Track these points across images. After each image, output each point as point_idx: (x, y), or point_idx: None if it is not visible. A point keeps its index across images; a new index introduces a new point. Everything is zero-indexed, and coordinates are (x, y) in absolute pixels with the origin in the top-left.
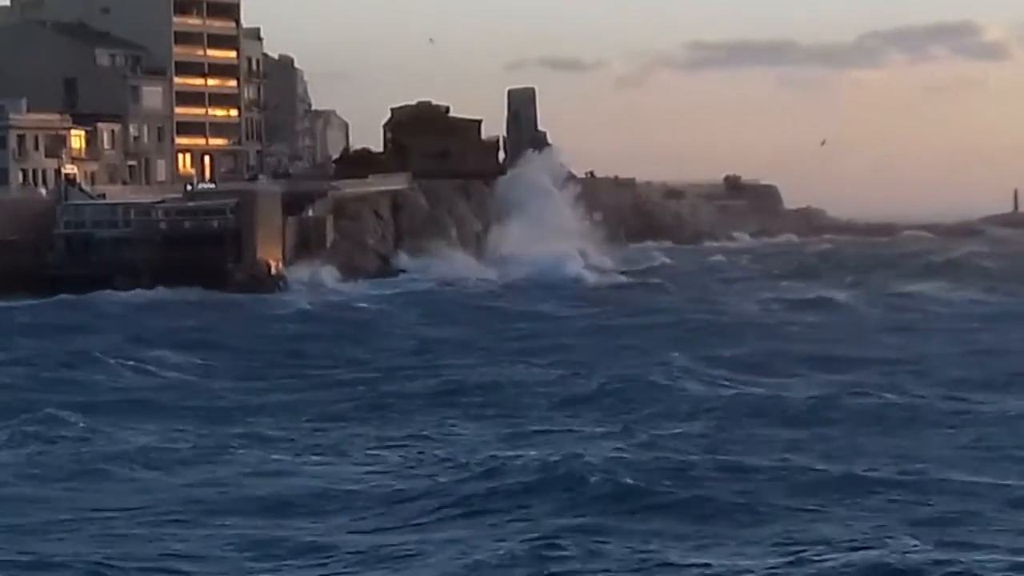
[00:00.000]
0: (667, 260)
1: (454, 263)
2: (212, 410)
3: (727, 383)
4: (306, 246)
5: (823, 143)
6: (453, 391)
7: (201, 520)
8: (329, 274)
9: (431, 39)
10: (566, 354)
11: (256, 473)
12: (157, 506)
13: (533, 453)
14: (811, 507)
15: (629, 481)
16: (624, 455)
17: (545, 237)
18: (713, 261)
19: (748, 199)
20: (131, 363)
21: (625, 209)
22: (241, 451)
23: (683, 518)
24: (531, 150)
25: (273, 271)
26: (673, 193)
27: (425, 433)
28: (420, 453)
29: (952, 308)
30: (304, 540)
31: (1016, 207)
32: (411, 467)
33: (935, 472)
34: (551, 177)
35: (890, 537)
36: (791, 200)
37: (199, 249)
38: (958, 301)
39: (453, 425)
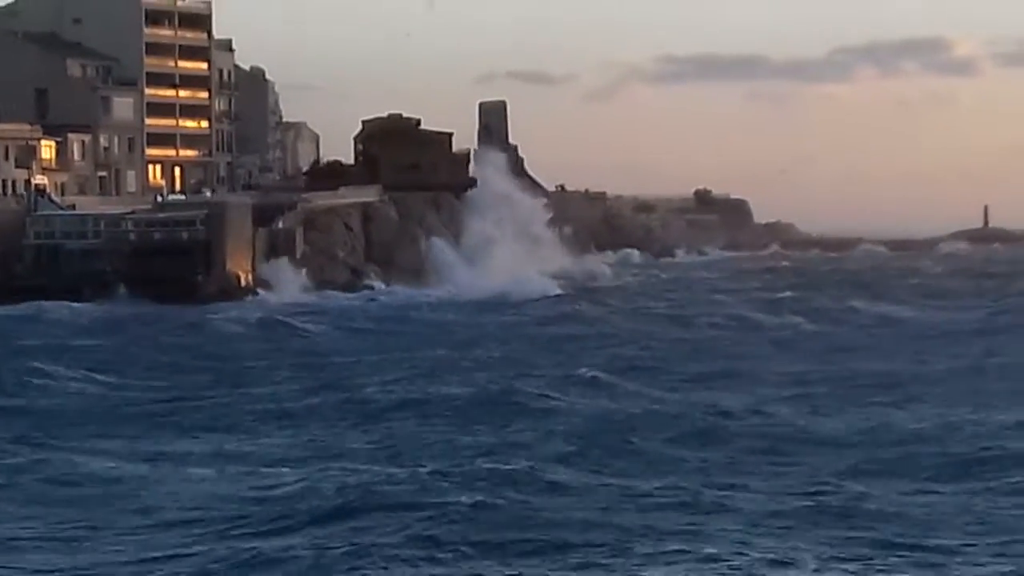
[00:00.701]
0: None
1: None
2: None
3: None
4: (276, 258)
5: (783, 171)
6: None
7: None
8: (295, 282)
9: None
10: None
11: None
12: None
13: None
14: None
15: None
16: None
17: (510, 250)
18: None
19: (718, 213)
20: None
21: (595, 223)
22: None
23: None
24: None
25: (243, 282)
26: (643, 207)
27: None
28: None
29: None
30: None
31: (986, 223)
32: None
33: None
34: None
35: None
36: (761, 214)
37: (169, 260)
38: (868, 313)
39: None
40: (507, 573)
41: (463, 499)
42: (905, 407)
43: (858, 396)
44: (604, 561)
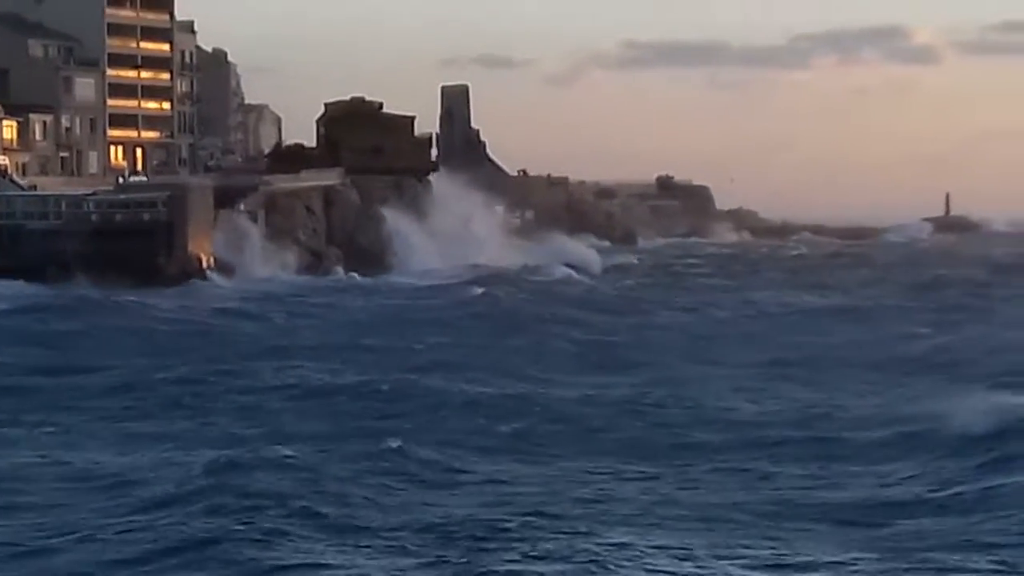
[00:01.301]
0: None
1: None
2: None
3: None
4: (237, 240)
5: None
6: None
7: None
8: (256, 265)
9: None
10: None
11: None
12: None
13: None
14: None
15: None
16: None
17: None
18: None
19: (680, 199)
20: None
21: (558, 208)
22: None
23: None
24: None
25: (205, 264)
26: (605, 192)
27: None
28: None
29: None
30: None
31: (948, 211)
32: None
33: None
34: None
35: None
36: (723, 201)
37: (130, 242)
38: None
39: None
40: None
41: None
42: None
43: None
44: (491, 547)
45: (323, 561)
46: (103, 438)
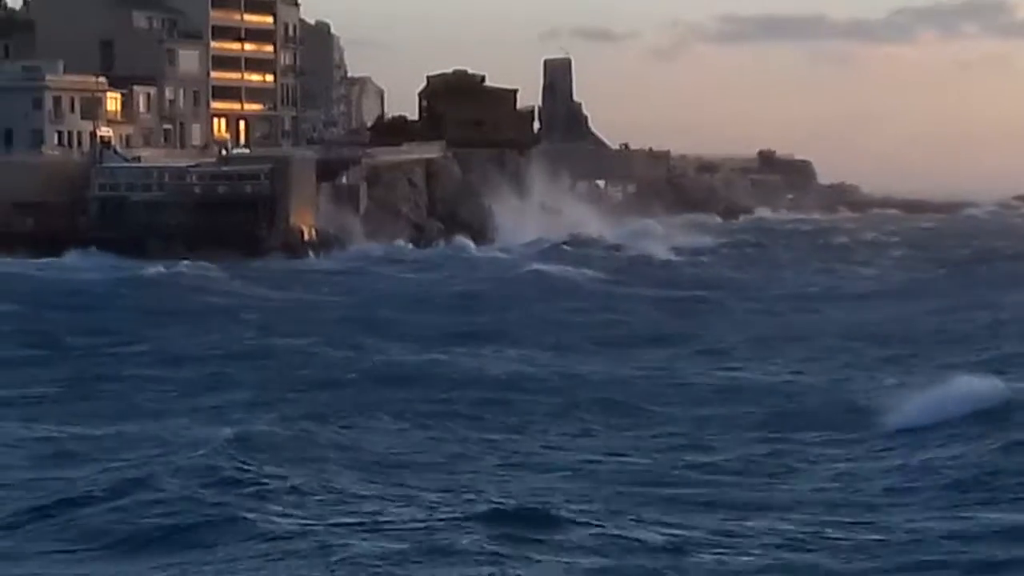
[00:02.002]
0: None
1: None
2: None
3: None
4: (340, 212)
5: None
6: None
7: None
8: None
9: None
10: None
11: None
12: None
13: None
14: None
15: None
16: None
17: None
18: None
19: (782, 174)
20: None
21: (659, 182)
22: None
23: None
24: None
25: (306, 237)
26: (707, 167)
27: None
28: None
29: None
30: None
31: None
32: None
33: None
34: None
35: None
36: (825, 175)
37: (233, 214)
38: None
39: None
40: None
41: None
42: None
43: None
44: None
45: None
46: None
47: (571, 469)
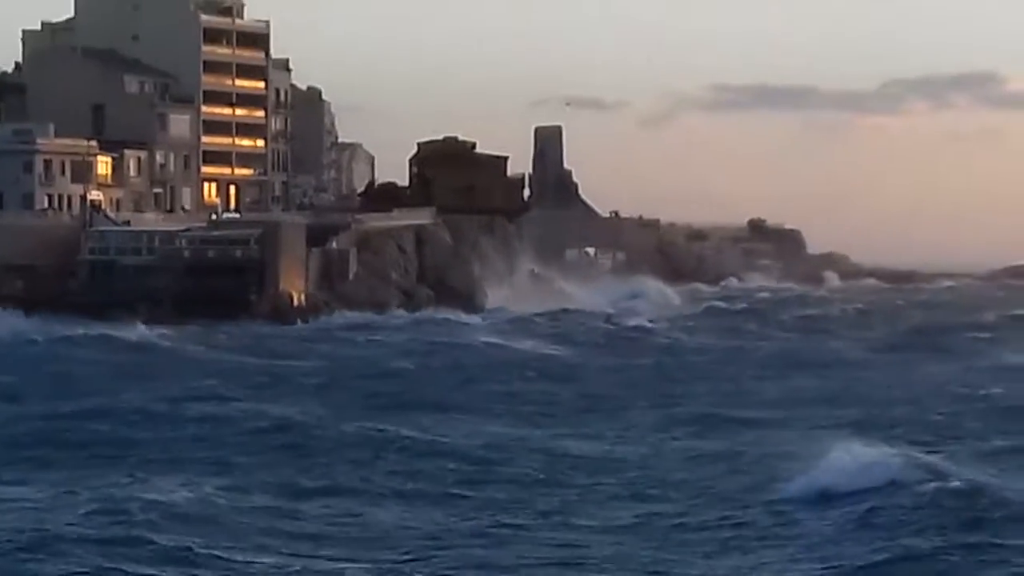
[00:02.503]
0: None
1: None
2: None
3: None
4: (329, 278)
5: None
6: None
7: None
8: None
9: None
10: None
11: None
12: None
13: None
14: None
15: None
16: None
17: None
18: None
19: (772, 243)
20: None
21: (649, 250)
22: None
23: None
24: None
25: (295, 302)
26: (697, 235)
27: None
28: None
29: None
30: None
31: None
32: None
33: None
34: None
35: None
36: (815, 244)
37: (222, 279)
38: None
39: None
40: None
41: None
42: None
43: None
44: None
45: None
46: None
47: None
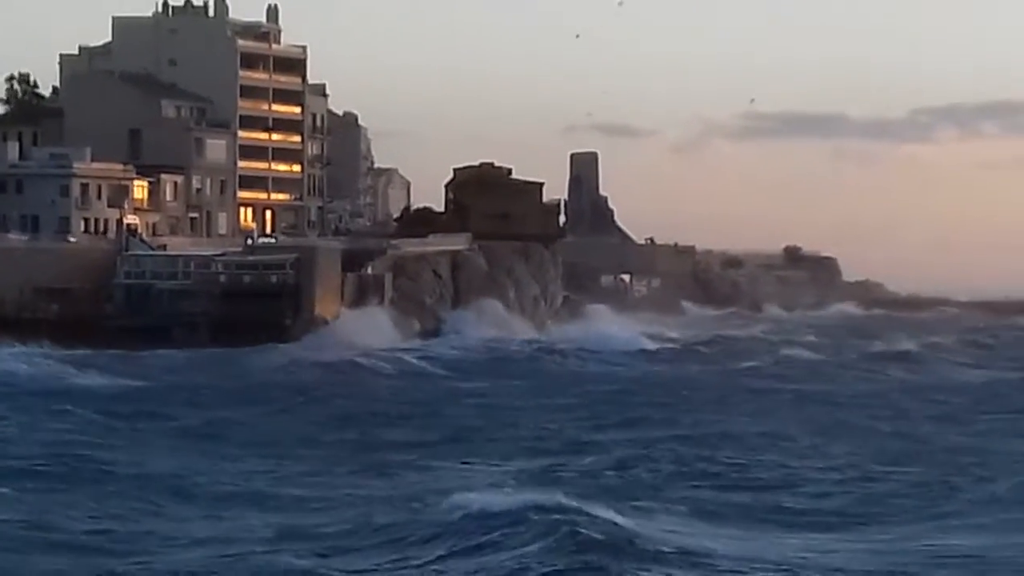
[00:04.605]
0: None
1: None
2: None
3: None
4: (364, 303)
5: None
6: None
7: None
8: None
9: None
10: None
11: None
12: None
13: None
14: None
15: None
16: None
17: None
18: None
19: (807, 270)
20: None
21: (684, 277)
22: None
23: None
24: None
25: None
26: (732, 262)
27: None
28: None
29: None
30: None
31: None
32: None
33: None
34: None
35: None
36: (851, 272)
37: (258, 303)
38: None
39: None
40: None
41: None
42: None
43: None
44: None
45: None
46: None
47: None
